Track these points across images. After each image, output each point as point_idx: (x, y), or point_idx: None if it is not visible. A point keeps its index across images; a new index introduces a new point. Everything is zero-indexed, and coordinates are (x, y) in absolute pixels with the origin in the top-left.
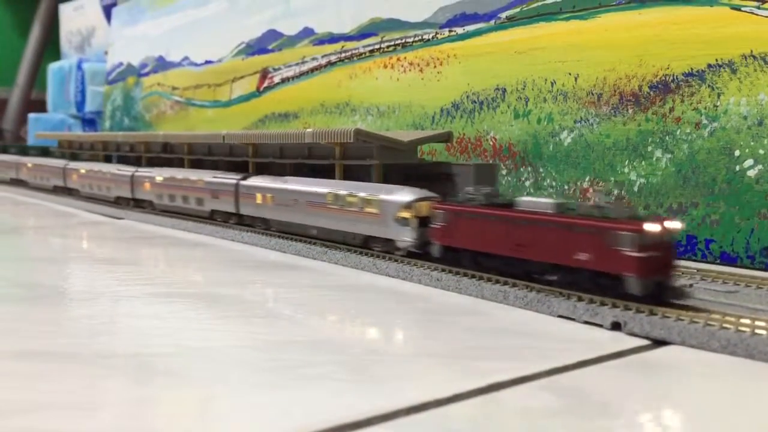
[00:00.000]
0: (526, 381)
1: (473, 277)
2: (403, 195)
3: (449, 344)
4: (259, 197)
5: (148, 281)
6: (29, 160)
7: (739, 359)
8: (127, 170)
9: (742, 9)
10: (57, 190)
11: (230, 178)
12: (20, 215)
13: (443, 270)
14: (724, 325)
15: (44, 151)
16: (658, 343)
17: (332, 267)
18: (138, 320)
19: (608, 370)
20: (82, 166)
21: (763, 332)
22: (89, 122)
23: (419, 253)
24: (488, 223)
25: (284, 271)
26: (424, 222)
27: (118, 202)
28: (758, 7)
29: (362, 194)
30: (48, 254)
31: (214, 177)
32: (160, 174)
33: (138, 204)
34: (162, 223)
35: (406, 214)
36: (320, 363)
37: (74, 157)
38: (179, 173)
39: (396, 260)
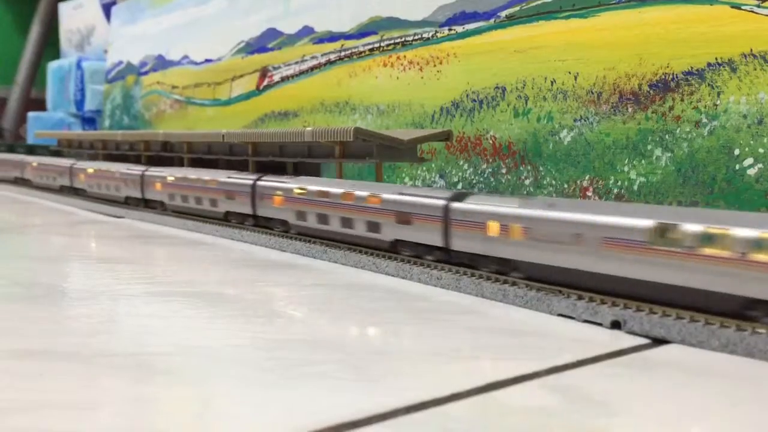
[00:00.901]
0: (526, 380)
1: (473, 275)
2: None
3: (448, 343)
4: (493, 227)
5: (148, 280)
6: (89, 165)
7: (739, 358)
8: (245, 178)
9: (742, 7)
10: (131, 202)
11: (433, 197)
12: (19, 213)
13: (443, 269)
14: (724, 323)
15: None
16: (658, 341)
17: (332, 266)
18: (138, 319)
19: (608, 368)
20: (169, 173)
21: (763, 331)
22: (89, 121)
23: None
24: None
25: (284, 269)
26: None
27: (229, 219)
28: (758, 6)
29: (748, 233)
30: (47, 253)
31: (401, 194)
32: (300, 186)
33: (262, 224)
34: (162, 222)
35: None
36: (320, 362)
37: (158, 162)
38: (335, 186)
39: (396, 259)
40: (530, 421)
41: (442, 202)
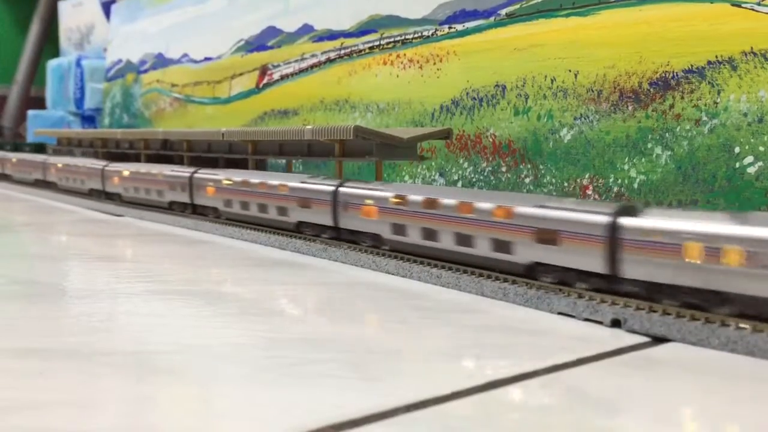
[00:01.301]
0: (526, 378)
1: (473, 274)
2: None
3: (449, 341)
4: (695, 250)
5: (147, 278)
6: (125, 167)
7: (739, 356)
8: (325, 184)
9: (742, 5)
10: (176, 207)
11: (591, 211)
12: (19, 212)
13: (443, 267)
14: (724, 322)
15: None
16: (658, 340)
17: (332, 264)
18: (137, 318)
19: (608, 367)
20: (225, 176)
21: (763, 330)
22: (88, 119)
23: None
24: None
25: (284, 268)
26: None
27: (301, 230)
28: (758, 4)
29: None
30: (47, 251)
31: (541, 207)
32: (397, 194)
33: (345, 237)
34: (161, 220)
35: None
36: (320, 360)
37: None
38: (446, 195)
39: (395, 257)
40: (531, 420)
41: (605, 218)
